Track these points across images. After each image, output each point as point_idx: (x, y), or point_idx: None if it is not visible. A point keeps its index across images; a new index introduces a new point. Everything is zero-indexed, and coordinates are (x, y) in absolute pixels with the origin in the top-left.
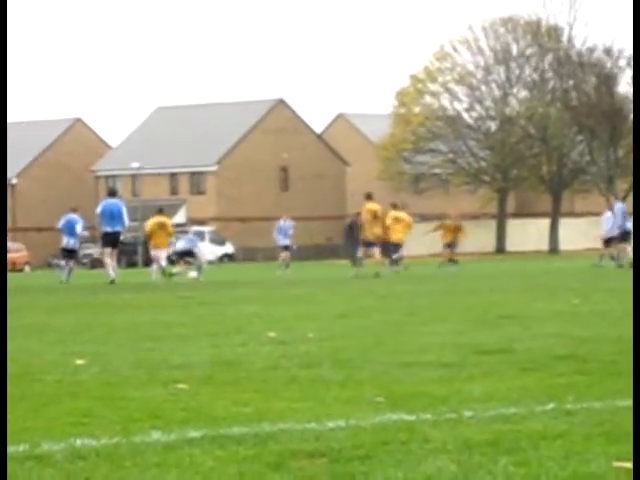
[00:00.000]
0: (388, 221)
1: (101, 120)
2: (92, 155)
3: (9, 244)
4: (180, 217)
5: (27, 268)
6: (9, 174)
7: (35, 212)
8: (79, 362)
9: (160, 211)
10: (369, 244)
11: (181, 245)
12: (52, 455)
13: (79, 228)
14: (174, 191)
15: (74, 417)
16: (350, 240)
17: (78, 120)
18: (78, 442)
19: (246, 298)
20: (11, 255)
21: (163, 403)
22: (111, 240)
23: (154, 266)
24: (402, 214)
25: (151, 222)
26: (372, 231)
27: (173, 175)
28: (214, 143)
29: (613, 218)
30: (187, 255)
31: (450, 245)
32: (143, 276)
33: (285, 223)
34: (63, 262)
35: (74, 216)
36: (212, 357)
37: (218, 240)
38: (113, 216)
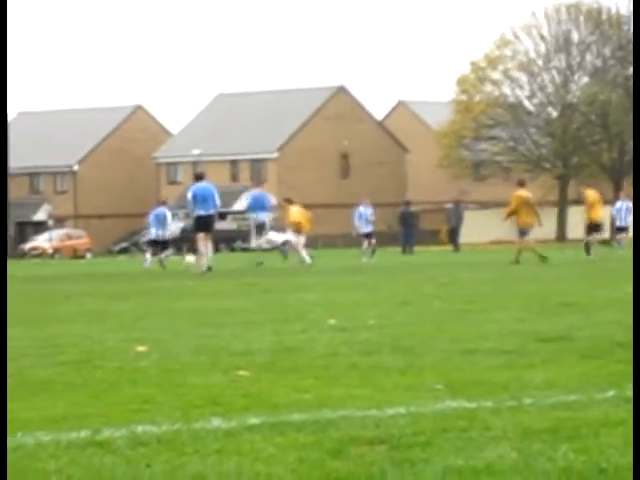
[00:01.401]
0: (592, 202)
1: (162, 107)
2: (153, 142)
3: (71, 231)
4: (242, 204)
5: (88, 255)
6: (70, 161)
7: (97, 199)
8: (140, 349)
9: (289, 200)
10: (522, 233)
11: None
12: (113, 441)
13: (169, 219)
14: (235, 178)
15: (135, 404)
16: (405, 228)
17: (139, 107)
18: (139, 428)
19: (307, 285)
20: (72, 242)
21: (224, 390)
22: (204, 224)
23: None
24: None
25: (296, 211)
26: (526, 219)
27: (234, 162)
28: (275, 130)
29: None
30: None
31: None
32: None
33: (365, 209)
34: (149, 255)
35: (163, 208)
36: (273, 344)
37: (279, 228)
38: (206, 199)
